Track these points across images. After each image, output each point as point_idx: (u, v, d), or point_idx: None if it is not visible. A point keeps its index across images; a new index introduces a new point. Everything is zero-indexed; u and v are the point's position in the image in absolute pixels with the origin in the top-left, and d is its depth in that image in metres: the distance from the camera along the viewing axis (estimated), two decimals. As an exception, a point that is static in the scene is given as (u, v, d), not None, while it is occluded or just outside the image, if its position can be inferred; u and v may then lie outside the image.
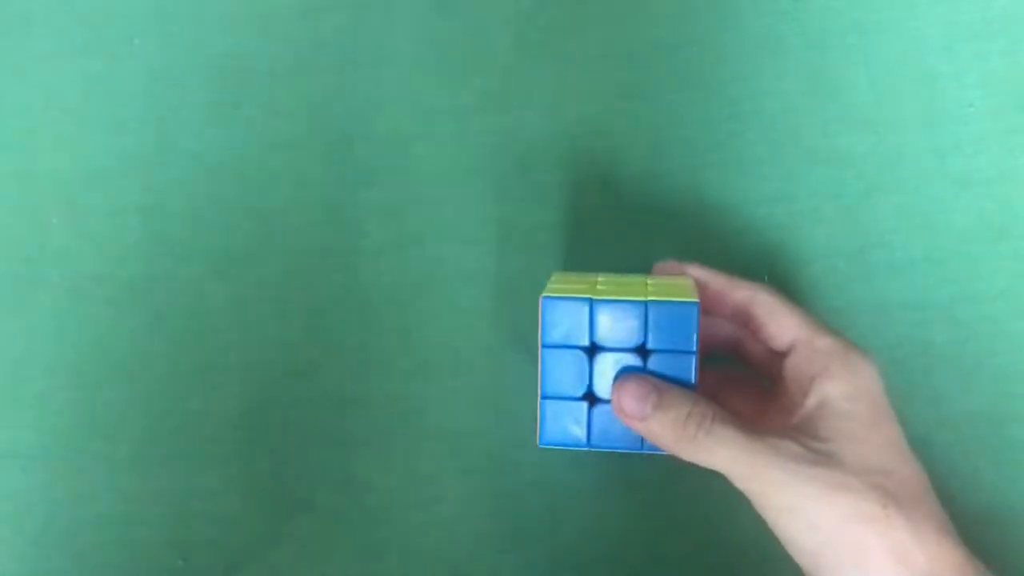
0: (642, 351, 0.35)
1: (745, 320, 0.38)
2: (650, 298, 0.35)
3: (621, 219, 0.44)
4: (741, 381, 0.40)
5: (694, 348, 0.35)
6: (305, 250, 0.44)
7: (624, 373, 0.35)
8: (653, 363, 0.35)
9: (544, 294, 0.35)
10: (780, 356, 0.37)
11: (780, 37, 0.44)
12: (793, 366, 0.36)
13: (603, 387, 0.36)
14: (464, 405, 0.42)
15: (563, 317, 0.35)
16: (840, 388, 0.34)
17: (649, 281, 0.37)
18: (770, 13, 0.45)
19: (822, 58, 0.44)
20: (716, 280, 0.38)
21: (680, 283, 0.37)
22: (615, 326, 0.35)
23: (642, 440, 0.36)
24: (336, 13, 0.46)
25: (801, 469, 0.32)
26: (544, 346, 0.36)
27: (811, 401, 0.35)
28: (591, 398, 0.36)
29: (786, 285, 0.43)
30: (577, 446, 0.36)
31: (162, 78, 0.46)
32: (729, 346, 0.40)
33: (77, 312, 0.44)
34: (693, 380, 0.35)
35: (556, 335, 0.35)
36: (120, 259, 0.45)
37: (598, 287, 0.37)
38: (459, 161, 0.45)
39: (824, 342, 0.36)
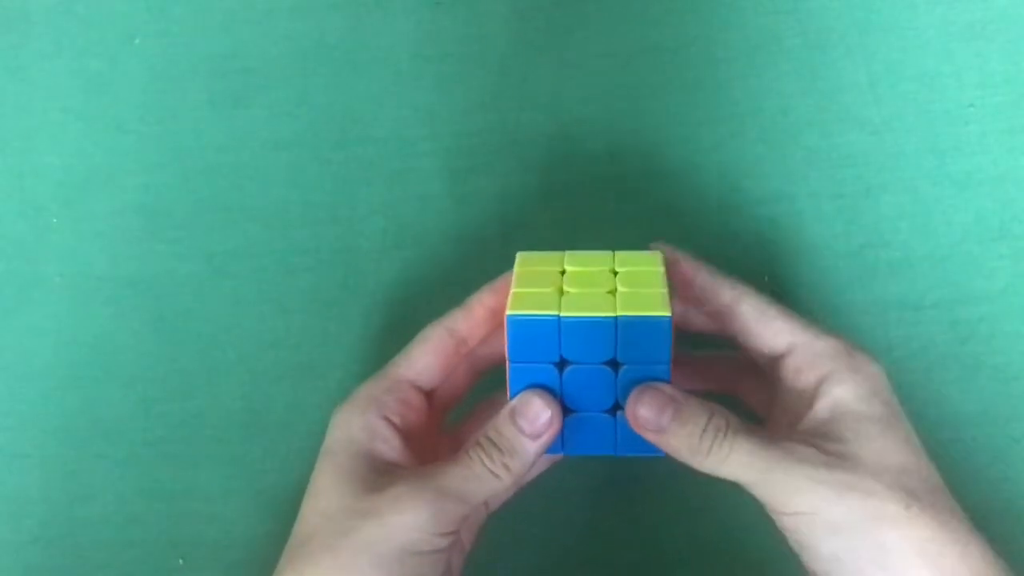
0: (612, 363, 0.34)
1: (728, 321, 0.37)
2: (620, 313, 0.33)
3: (621, 219, 0.44)
4: (757, 370, 0.38)
5: (666, 360, 0.34)
6: (305, 250, 0.44)
7: (641, 383, 0.34)
8: (624, 373, 0.34)
9: (508, 312, 0.33)
10: (774, 359, 0.36)
11: (780, 37, 0.44)
12: (794, 369, 0.35)
13: (572, 398, 0.35)
14: (463, 405, 0.42)
15: (529, 335, 0.34)
16: (851, 390, 0.34)
17: (618, 269, 0.36)
18: (770, 13, 0.45)
19: (822, 58, 0.44)
20: (701, 276, 0.37)
21: (649, 273, 0.35)
22: (584, 342, 0.34)
23: (615, 442, 0.35)
24: (336, 13, 0.46)
25: (818, 473, 0.32)
26: (511, 362, 0.34)
27: (821, 404, 0.34)
28: (563, 408, 0.35)
29: (786, 285, 0.43)
30: (553, 452, 0.35)
31: (162, 78, 0.46)
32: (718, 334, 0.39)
33: (77, 312, 0.44)
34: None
35: (523, 352, 0.34)
36: (120, 259, 0.45)
37: (564, 285, 0.35)
38: (459, 161, 0.45)
39: (826, 345, 0.35)
